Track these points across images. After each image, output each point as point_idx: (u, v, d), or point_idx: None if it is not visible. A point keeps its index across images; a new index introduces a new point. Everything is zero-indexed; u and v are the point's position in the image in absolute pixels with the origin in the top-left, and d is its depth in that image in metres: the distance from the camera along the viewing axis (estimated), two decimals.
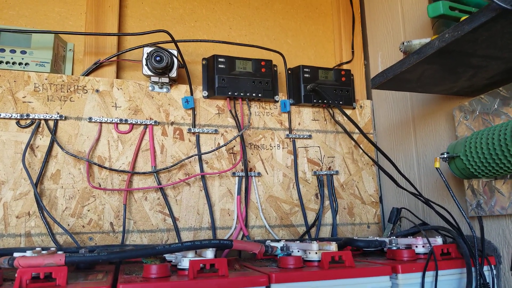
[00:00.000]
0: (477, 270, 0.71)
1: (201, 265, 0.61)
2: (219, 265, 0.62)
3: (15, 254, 0.60)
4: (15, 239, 0.86)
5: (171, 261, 0.71)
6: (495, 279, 0.76)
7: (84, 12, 1.08)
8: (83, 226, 0.91)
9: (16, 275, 0.54)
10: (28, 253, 0.63)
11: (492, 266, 0.76)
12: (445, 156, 0.74)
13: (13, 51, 0.95)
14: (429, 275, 0.71)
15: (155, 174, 0.98)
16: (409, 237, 0.85)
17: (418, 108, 1.04)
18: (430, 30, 0.84)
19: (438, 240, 0.79)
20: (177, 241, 0.97)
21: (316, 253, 0.72)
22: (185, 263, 0.64)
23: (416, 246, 0.79)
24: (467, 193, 0.85)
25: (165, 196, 0.98)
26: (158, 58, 0.94)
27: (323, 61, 1.29)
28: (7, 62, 0.94)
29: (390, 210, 1.01)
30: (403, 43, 0.71)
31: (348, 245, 0.82)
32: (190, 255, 0.65)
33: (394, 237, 0.84)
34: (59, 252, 0.67)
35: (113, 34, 1.05)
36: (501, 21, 0.55)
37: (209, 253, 0.65)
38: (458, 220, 0.85)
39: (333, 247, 0.72)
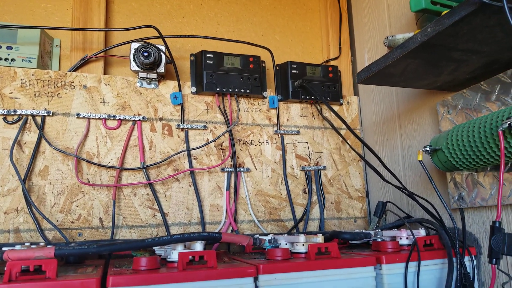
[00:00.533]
0: (458, 260, 0.73)
1: (190, 257, 0.62)
2: (208, 257, 0.63)
3: (4, 249, 0.60)
4: (4, 235, 0.86)
5: (161, 254, 0.72)
6: (475, 269, 0.79)
7: (70, 7, 1.08)
8: (72, 222, 0.91)
9: (5, 269, 0.54)
10: (18, 247, 0.63)
11: (473, 256, 0.78)
12: (428, 149, 0.77)
13: None
14: (412, 265, 0.73)
15: (144, 170, 0.98)
16: (393, 229, 0.87)
17: (403, 103, 1.07)
18: (415, 26, 0.86)
19: (422, 232, 0.81)
20: None
21: (303, 245, 0.74)
22: (174, 256, 0.64)
23: (400, 238, 0.81)
24: (449, 186, 0.87)
25: (154, 191, 0.98)
26: (145, 54, 0.94)
27: (311, 57, 1.31)
28: None
29: (376, 204, 1.03)
30: (387, 38, 0.73)
31: (334, 238, 0.84)
32: (179, 248, 0.66)
33: (379, 230, 0.86)
34: (49, 246, 0.67)
35: (100, 30, 1.05)
36: (480, 15, 0.57)
37: (198, 246, 0.66)
38: (441, 212, 0.88)
39: (319, 239, 0.73)
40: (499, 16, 0.57)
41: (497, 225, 0.55)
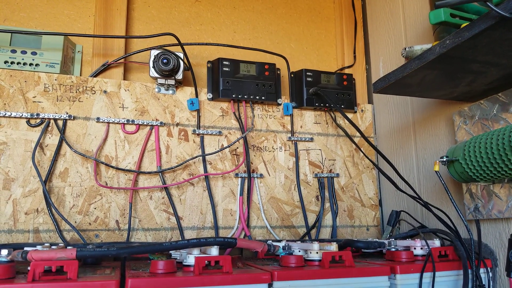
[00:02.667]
0: (474, 272, 0.73)
1: (206, 261, 0.63)
2: (223, 262, 0.64)
3: (26, 249, 0.62)
4: (24, 235, 0.88)
5: (176, 258, 0.73)
6: (491, 281, 0.78)
7: (92, 14, 1.11)
8: (90, 224, 0.93)
9: (29, 268, 0.56)
10: (39, 248, 0.65)
11: (488, 268, 0.78)
12: (445, 159, 0.77)
13: (24, 52, 0.98)
14: (427, 276, 0.73)
15: (160, 174, 1.00)
16: (407, 239, 0.87)
17: (418, 112, 1.06)
18: (431, 36, 0.87)
19: (436, 243, 0.81)
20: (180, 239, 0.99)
21: (317, 252, 0.74)
22: (190, 260, 0.66)
23: (415, 248, 0.81)
24: (465, 197, 0.87)
25: (169, 195, 1.00)
26: (165, 61, 0.97)
27: (326, 65, 1.32)
28: (18, 63, 0.97)
29: (390, 213, 1.03)
30: (405, 49, 0.73)
31: (348, 246, 0.84)
32: (195, 252, 0.67)
33: (393, 239, 0.86)
34: (69, 247, 0.69)
35: (121, 37, 1.07)
36: (500, 29, 0.58)
37: (214, 251, 0.67)
38: (456, 223, 0.87)
39: (333, 247, 0.74)
40: None
41: None
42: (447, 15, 0.61)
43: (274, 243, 0.77)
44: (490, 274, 0.78)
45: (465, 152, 0.73)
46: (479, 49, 0.63)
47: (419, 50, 0.70)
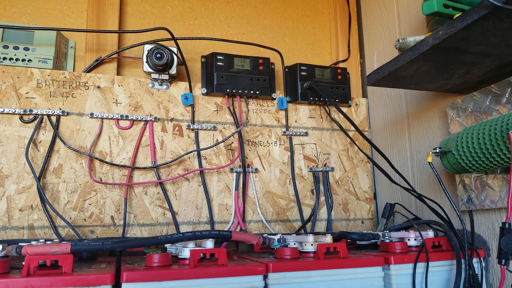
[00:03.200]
0: (467, 262, 0.74)
1: (201, 254, 0.63)
2: (218, 255, 0.64)
3: (21, 244, 0.62)
4: (18, 231, 0.88)
5: (172, 252, 0.73)
6: (483, 270, 0.79)
7: (85, 9, 1.10)
8: (85, 220, 0.93)
9: (23, 263, 0.56)
10: (34, 243, 0.65)
11: (481, 258, 0.78)
12: (438, 151, 0.77)
13: (16, 48, 0.97)
14: (420, 266, 0.73)
15: (155, 169, 1.00)
16: (401, 231, 0.88)
17: (412, 105, 1.07)
18: (425, 29, 0.87)
19: (430, 234, 0.81)
20: None
21: (312, 244, 0.74)
22: (185, 253, 0.66)
23: (409, 239, 0.82)
24: (458, 188, 0.87)
25: (164, 190, 1.00)
26: (158, 55, 0.96)
27: (320, 59, 1.32)
28: (10, 59, 0.96)
29: (384, 206, 1.04)
30: (398, 40, 0.74)
31: (342, 238, 0.84)
32: (190, 245, 0.67)
33: (387, 231, 0.86)
34: (64, 242, 0.69)
35: (114, 32, 1.07)
36: (493, 19, 0.58)
37: (209, 244, 0.67)
38: (450, 214, 0.88)
39: (328, 239, 0.74)
40: None
41: (506, 226, 0.56)
42: (440, 6, 0.61)
43: (270, 237, 0.77)
44: (483, 264, 0.79)
45: (457, 143, 0.74)
46: (472, 40, 0.64)
47: (412, 41, 0.70)
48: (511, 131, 0.59)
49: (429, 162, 0.75)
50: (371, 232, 0.86)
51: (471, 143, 0.70)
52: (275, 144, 1.13)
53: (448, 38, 0.62)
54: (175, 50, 1.02)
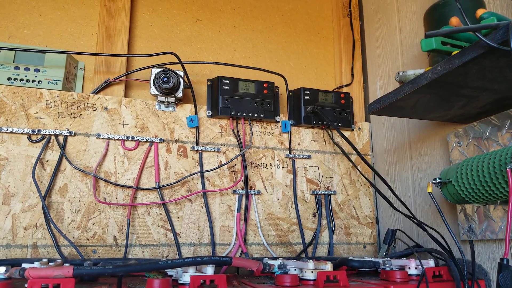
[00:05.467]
0: None
1: (201, 280, 0.63)
2: (218, 281, 0.64)
3: (24, 265, 0.63)
4: (22, 250, 0.89)
5: (172, 275, 0.74)
6: None
7: (95, 32, 1.14)
8: (88, 239, 0.94)
9: (26, 286, 0.56)
10: (36, 265, 0.66)
11: None
12: (438, 181, 0.78)
13: (27, 69, 1.00)
14: None
15: (158, 190, 1.01)
16: (402, 258, 0.88)
17: (414, 132, 1.08)
18: (427, 58, 0.89)
19: (431, 263, 0.81)
20: (177, 256, 1.00)
21: (312, 272, 0.75)
22: (186, 278, 0.66)
23: (409, 268, 0.82)
24: (459, 217, 0.88)
25: (167, 211, 1.01)
26: (165, 79, 0.99)
27: (324, 83, 1.34)
28: (21, 80, 0.99)
29: (386, 231, 1.04)
30: (398, 73, 0.75)
31: (343, 265, 0.84)
32: (191, 270, 0.68)
33: (388, 258, 0.86)
34: (66, 264, 0.70)
35: (123, 55, 1.10)
36: (489, 57, 0.60)
37: (209, 269, 0.68)
38: (451, 243, 0.88)
39: (328, 266, 0.74)
40: (508, 59, 0.59)
41: (504, 262, 0.56)
42: (438, 43, 0.63)
43: (270, 261, 0.77)
44: None
45: (457, 174, 0.74)
46: (470, 75, 0.65)
47: (412, 75, 0.72)
48: (509, 166, 0.60)
49: (429, 193, 0.76)
50: (372, 259, 0.86)
51: (471, 175, 0.71)
52: (278, 167, 1.14)
53: (447, 73, 0.64)
54: (181, 73, 1.04)
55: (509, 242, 0.59)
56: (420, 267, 0.79)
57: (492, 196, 0.69)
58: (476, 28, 0.56)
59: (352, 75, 1.33)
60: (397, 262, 0.85)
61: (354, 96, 1.30)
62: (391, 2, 1.22)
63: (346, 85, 1.32)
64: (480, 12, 0.61)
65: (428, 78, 0.67)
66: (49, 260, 0.78)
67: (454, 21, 0.65)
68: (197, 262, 0.66)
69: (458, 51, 0.63)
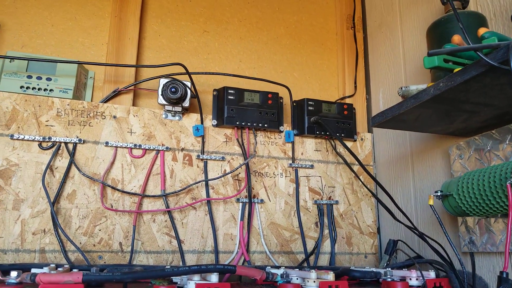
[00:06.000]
0: None
1: None
2: None
3: (34, 270, 0.65)
4: (30, 254, 0.91)
5: (177, 282, 0.75)
6: None
7: (105, 43, 1.17)
8: (94, 245, 0.96)
9: None
10: (46, 270, 0.68)
11: None
12: (439, 194, 0.79)
13: (39, 78, 1.03)
14: None
15: (164, 197, 1.03)
16: (403, 269, 0.89)
17: (416, 144, 1.10)
18: (429, 71, 0.91)
19: (431, 274, 0.82)
20: (181, 263, 1.01)
21: (314, 281, 0.76)
22: (191, 286, 0.68)
23: (410, 279, 0.83)
24: (460, 229, 0.89)
25: (172, 219, 1.03)
26: (173, 90, 1.01)
27: (327, 94, 1.36)
28: (33, 88, 1.02)
29: (387, 242, 1.05)
30: (401, 88, 0.77)
31: (345, 275, 0.86)
32: (196, 278, 0.69)
33: (389, 269, 0.87)
34: (74, 270, 0.72)
35: (132, 66, 1.13)
36: (490, 75, 0.61)
37: (214, 277, 0.69)
38: (451, 255, 0.89)
39: (330, 276, 0.76)
40: (508, 77, 0.61)
41: (504, 275, 0.57)
42: (441, 61, 0.65)
43: (273, 270, 0.79)
44: None
45: (458, 188, 0.76)
46: (471, 92, 0.67)
47: (415, 90, 0.74)
48: (509, 181, 0.62)
49: (430, 205, 0.77)
50: (373, 269, 0.87)
51: (471, 188, 0.73)
52: (281, 176, 1.16)
53: (449, 90, 0.66)
54: (189, 84, 1.07)
55: (508, 256, 0.60)
56: (421, 278, 0.81)
57: (492, 210, 0.71)
58: (477, 48, 0.58)
59: (355, 86, 1.35)
60: (398, 273, 0.86)
61: (357, 107, 1.32)
62: (395, 16, 1.25)
63: (349, 96, 1.34)
64: (481, 31, 0.63)
65: (430, 94, 0.69)
66: (57, 265, 0.80)
67: (456, 39, 0.67)
68: (202, 270, 0.68)
69: (460, 68, 0.65)
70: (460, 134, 0.92)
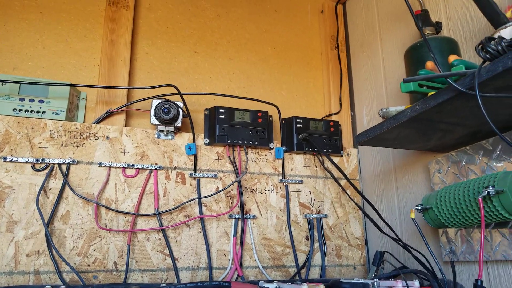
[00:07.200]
0: None
1: None
2: None
3: None
4: (24, 276, 0.92)
5: None
6: None
7: (97, 64, 1.19)
8: (89, 265, 0.97)
9: None
10: None
11: None
12: (420, 207, 0.84)
13: (31, 100, 1.05)
14: None
15: (157, 216, 1.05)
16: (390, 279, 0.93)
17: (398, 159, 1.15)
18: None
19: (416, 283, 0.87)
20: (175, 280, 1.03)
21: None
22: None
23: None
24: (441, 240, 0.94)
25: (166, 237, 1.05)
26: (166, 110, 1.05)
27: (314, 111, 1.42)
28: (25, 110, 1.03)
29: (374, 253, 1.09)
30: (382, 110, 0.83)
31: (335, 287, 0.89)
32: None
33: (376, 280, 0.91)
34: None
35: (124, 88, 1.16)
36: (460, 99, 0.67)
37: None
38: (434, 265, 0.94)
39: None
40: (476, 100, 0.66)
41: (479, 283, 0.62)
42: (416, 86, 0.71)
43: (266, 285, 0.82)
44: None
45: (437, 201, 0.81)
46: (445, 113, 0.73)
47: (394, 111, 0.79)
48: (480, 196, 0.67)
49: (412, 218, 0.82)
50: (361, 281, 0.91)
51: (449, 202, 0.78)
52: (272, 192, 1.20)
53: (424, 111, 0.71)
54: (181, 104, 1.10)
55: (482, 264, 0.65)
56: (407, 287, 0.85)
57: (468, 222, 0.76)
58: (447, 75, 0.64)
59: (340, 104, 1.41)
60: (385, 283, 0.90)
61: (342, 123, 1.38)
62: (375, 37, 1.32)
63: (335, 113, 1.40)
64: (451, 58, 0.69)
65: (407, 115, 0.75)
66: (52, 287, 0.81)
67: (430, 65, 0.73)
68: (199, 287, 0.70)
69: (433, 92, 0.71)
70: (438, 150, 0.98)
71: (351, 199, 1.21)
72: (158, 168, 1.09)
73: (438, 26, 0.93)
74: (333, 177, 1.24)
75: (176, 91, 1.11)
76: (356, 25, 1.44)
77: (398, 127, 0.79)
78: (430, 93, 0.71)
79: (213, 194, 1.12)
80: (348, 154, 1.32)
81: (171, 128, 1.10)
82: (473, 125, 0.78)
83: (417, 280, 0.88)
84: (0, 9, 1.14)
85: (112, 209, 1.02)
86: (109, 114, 1.12)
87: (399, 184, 1.14)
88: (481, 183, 0.70)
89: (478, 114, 0.71)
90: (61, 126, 1.04)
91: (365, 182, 1.30)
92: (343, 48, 1.47)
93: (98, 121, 1.11)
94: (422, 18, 0.91)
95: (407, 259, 1.08)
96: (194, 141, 1.14)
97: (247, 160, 1.19)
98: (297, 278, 1.13)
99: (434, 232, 0.99)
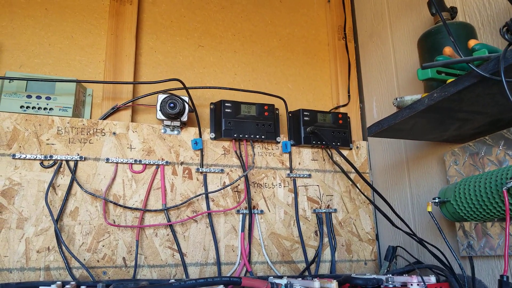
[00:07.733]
0: None
1: None
2: None
3: None
4: (35, 272, 0.91)
5: None
6: None
7: (103, 60, 1.18)
8: (98, 261, 0.96)
9: None
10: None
11: None
12: (437, 201, 0.82)
13: (39, 97, 1.04)
14: None
15: (165, 211, 1.04)
16: (404, 275, 0.91)
17: (411, 151, 1.12)
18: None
19: (432, 279, 0.84)
20: (184, 276, 1.02)
21: None
22: None
23: (411, 284, 0.84)
24: (458, 234, 0.91)
25: (174, 232, 1.04)
26: (172, 105, 1.03)
27: (321, 104, 1.39)
28: (33, 107, 1.03)
29: (386, 248, 1.07)
30: (396, 99, 0.80)
31: (347, 283, 0.87)
32: None
33: (390, 275, 0.89)
34: (82, 287, 0.73)
35: (130, 83, 1.14)
36: (482, 85, 0.64)
37: None
38: (451, 259, 0.91)
39: (333, 285, 0.77)
40: (499, 86, 0.63)
41: (504, 279, 0.59)
42: (434, 73, 0.68)
43: (276, 281, 0.80)
44: None
45: (456, 194, 0.78)
46: (465, 101, 0.70)
47: (409, 100, 0.76)
48: (505, 187, 0.64)
49: (429, 212, 0.79)
50: (375, 276, 0.89)
51: (468, 194, 0.75)
52: (280, 186, 1.18)
53: (442, 100, 0.68)
54: (186, 99, 1.09)
55: (507, 260, 0.62)
56: (422, 283, 0.82)
57: (490, 215, 0.73)
58: (469, 60, 0.61)
59: (349, 96, 1.38)
60: (399, 278, 0.88)
61: (351, 115, 1.35)
62: (385, 25, 1.28)
63: (343, 105, 1.37)
64: (472, 43, 0.65)
65: (425, 104, 0.72)
66: (63, 283, 0.80)
67: (448, 50, 0.70)
68: (209, 282, 0.69)
69: (453, 79, 0.67)
70: (454, 141, 0.95)
71: (361, 192, 1.19)
72: (164, 164, 1.07)
73: (453, 11, 0.89)
74: (343, 171, 1.21)
75: (181, 86, 1.09)
76: (364, 14, 1.40)
77: (414, 117, 0.76)
78: (449, 80, 0.68)
79: (220, 189, 1.10)
80: (357, 147, 1.29)
81: (177, 123, 1.09)
82: (494, 114, 0.75)
83: (433, 275, 0.85)
84: (5, 7, 1.14)
85: (120, 205, 1.01)
86: (115, 110, 1.11)
87: (412, 177, 1.11)
88: (505, 174, 0.67)
89: (501, 101, 0.68)
90: (68, 123, 1.03)
91: (376, 175, 1.27)
92: (350, 38, 1.44)
93: (105, 117, 1.10)
94: (436, 2, 0.87)
95: (421, 254, 1.05)
96: (200, 136, 1.12)
97: (254, 154, 1.17)
98: (306, 273, 1.11)
99: (450, 226, 0.96)
